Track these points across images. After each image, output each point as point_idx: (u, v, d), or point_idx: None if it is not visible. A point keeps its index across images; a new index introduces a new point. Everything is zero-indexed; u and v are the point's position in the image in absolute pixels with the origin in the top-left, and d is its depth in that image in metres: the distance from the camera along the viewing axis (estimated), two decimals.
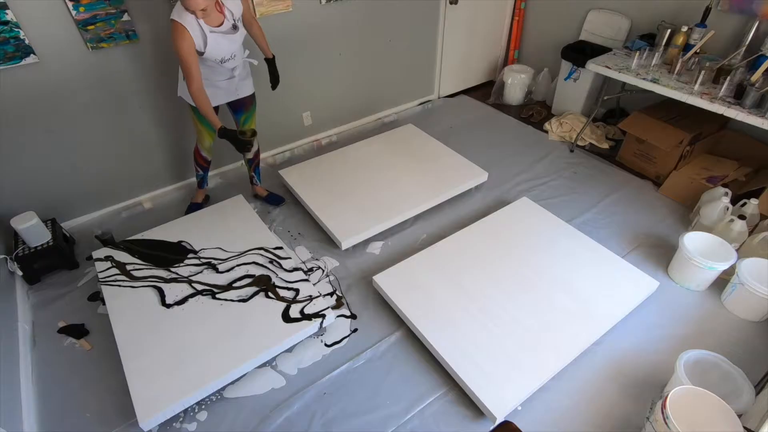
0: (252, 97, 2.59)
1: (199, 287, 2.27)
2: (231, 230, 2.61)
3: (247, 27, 2.34)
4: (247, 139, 2.26)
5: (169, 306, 2.17)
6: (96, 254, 2.45)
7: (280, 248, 2.49)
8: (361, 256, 2.63)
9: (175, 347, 2.00)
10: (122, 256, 2.44)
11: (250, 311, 2.14)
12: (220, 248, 2.49)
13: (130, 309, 2.16)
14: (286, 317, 2.11)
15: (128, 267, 2.38)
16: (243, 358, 1.95)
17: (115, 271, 2.35)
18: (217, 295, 2.22)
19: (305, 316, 2.11)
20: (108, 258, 2.42)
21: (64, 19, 2.25)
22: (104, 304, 2.27)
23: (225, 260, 2.42)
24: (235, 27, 2.18)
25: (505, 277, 2.31)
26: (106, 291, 2.25)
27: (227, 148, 3.08)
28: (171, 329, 2.07)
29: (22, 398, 1.90)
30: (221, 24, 2.12)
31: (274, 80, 2.65)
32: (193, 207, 2.91)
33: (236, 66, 2.33)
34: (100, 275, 2.33)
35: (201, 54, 2.13)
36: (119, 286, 2.27)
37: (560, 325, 2.08)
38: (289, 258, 2.43)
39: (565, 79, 3.72)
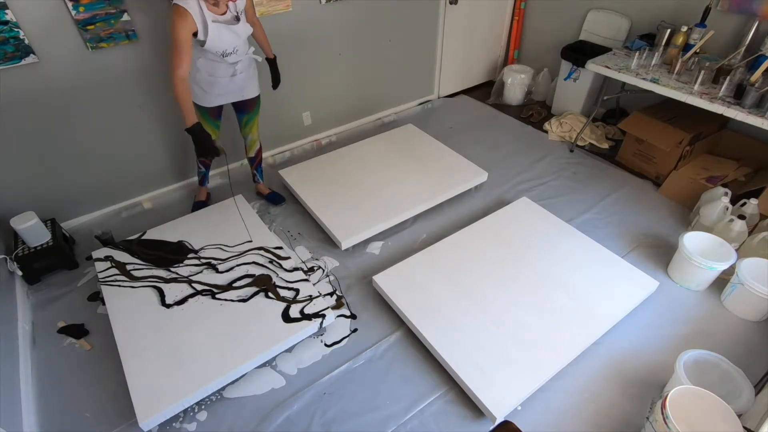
0: (256, 99, 2.59)
1: (199, 287, 2.26)
2: (231, 230, 2.60)
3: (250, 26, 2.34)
4: (213, 147, 2.22)
5: (169, 306, 2.17)
6: (96, 254, 2.45)
7: (280, 248, 2.49)
8: (361, 256, 2.63)
9: (175, 347, 2.00)
10: (122, 256, 2.44)
11: (250, 311, 2.14)
12: (221, 248, 2.49)
13: (129, 309, 2.16)
14: (286, 317, 2.11)
15: (128, 267, 2.38)
16: (243, 358, 1.95)
17: (114, 271, 2.35)
18: (217, 295, 2.22)
19: (305, 316, 2.11)
20: (108, 258, 2.42)
21: (64, 19, 2.25)
22: (104, 304, 2.27)
23: (225, 260, 2.42)
24: (237, 18, 2.18)
25: (504, 277, 2.31)
26: (106, 291, 2.25)
27: (229, 147, 3.09)
28: (171, 329, 2.07)
29: (22, 398, 1.90)
30: (224, 14, 2.13)
31: (276, 80, 2.69)
32: (198, 205, 2.93)
33: (238, 62, 2.32)
34: (100, 275, 2.33)
35: (202, 44, 2.12)
36: (119, 286, 2.27)
37: (560, 325, 2.08)
38: (289, 258, 2.44)
39: (565, 79, 3.72)
